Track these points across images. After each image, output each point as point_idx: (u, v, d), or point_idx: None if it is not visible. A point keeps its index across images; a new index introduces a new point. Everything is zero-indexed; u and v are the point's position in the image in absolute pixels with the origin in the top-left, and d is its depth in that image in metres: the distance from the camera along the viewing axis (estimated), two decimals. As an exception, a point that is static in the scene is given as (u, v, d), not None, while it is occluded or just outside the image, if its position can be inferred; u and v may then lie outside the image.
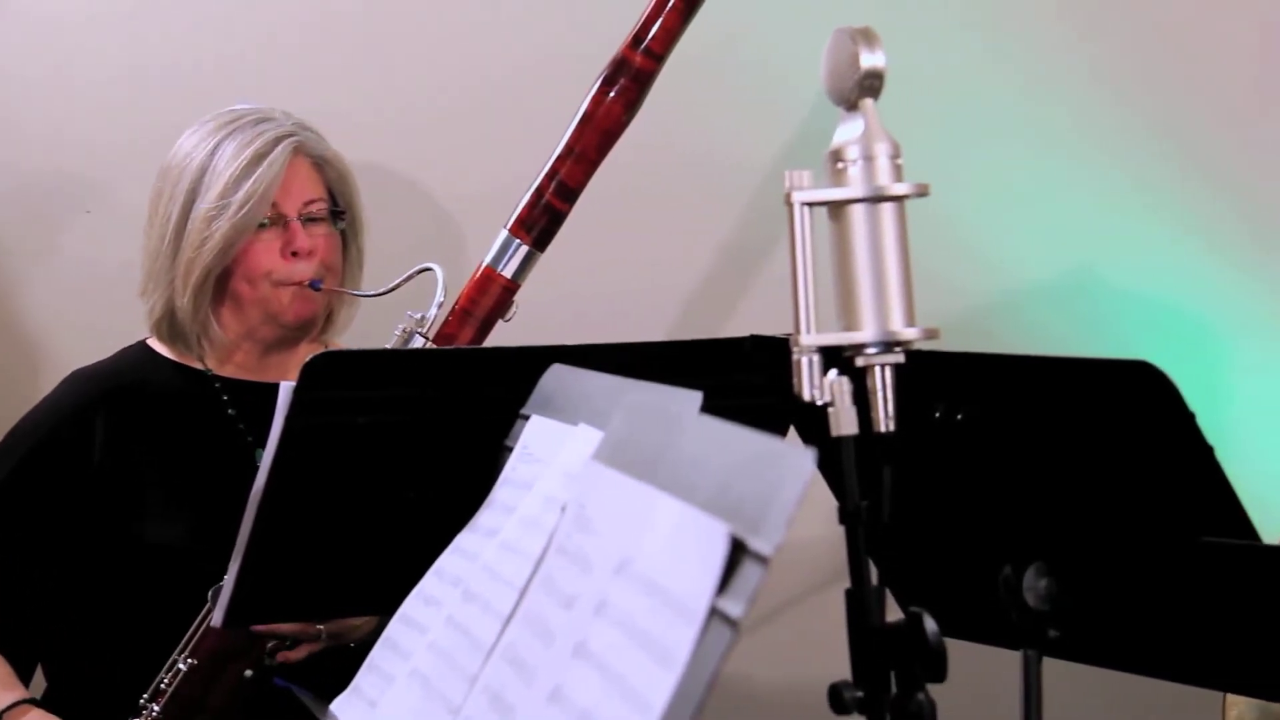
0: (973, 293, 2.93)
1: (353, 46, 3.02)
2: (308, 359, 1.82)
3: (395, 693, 1.65)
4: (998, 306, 2.94)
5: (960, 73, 2.94)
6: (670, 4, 2.43)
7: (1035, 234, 2.93)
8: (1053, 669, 1.76)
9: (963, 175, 2.89)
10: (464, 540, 1.76)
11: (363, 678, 1.73)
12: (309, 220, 2.52)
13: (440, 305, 2.46)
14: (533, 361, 1.86)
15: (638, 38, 2.44)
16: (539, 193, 2.46)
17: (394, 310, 2.52)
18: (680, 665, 1.18)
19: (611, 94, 2.44)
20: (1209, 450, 1.60)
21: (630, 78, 2.44)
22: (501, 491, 1.76)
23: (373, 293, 2.53)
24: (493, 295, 2.47)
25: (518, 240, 2.47)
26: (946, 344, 1.52)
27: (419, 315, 2.46)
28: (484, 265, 2.48)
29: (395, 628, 1.74)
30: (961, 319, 2.86)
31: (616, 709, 1.22)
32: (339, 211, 2.55)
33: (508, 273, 2.47)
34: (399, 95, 3.02)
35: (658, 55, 2.44)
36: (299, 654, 2.41)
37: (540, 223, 2.46)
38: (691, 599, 1.20)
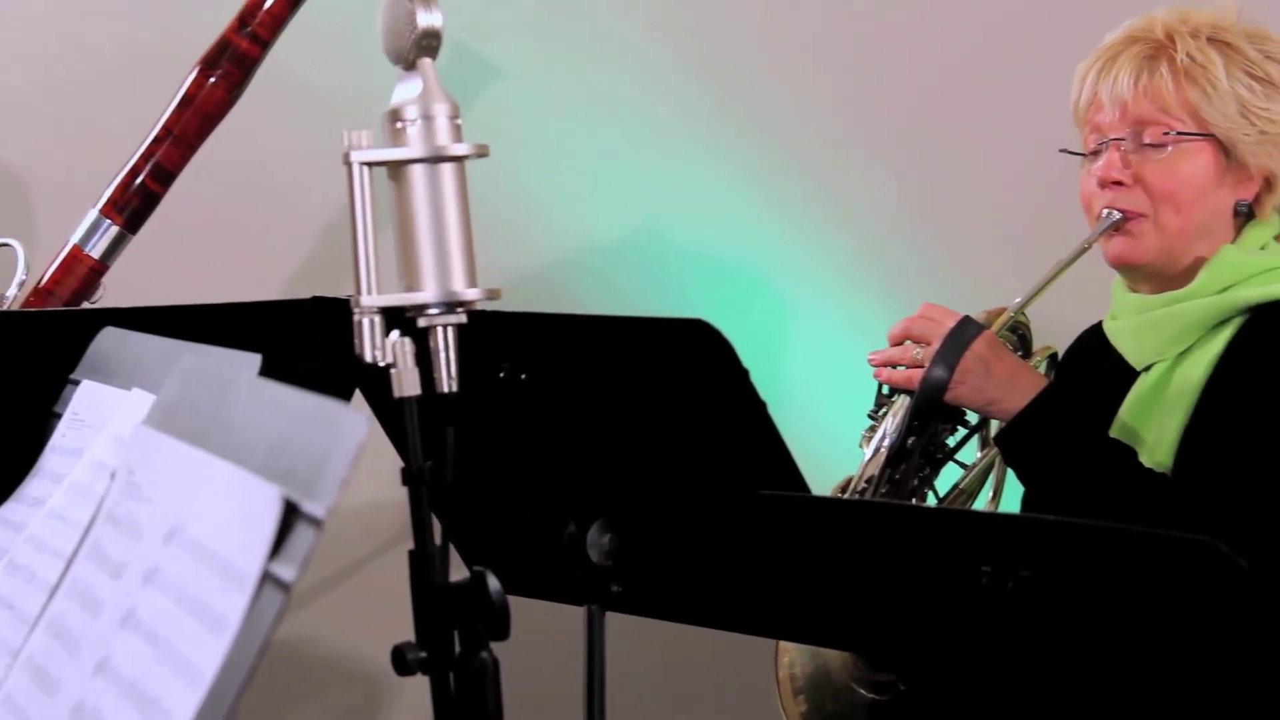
0: (537, 253, 2.95)
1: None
2: None
3: (-69, 672, 1.57)
4: (562, 266, 2.97)
5: (525, 35, 2.95)
6: None
7: (599, 193, 2.96)
8: (615, 623, 1.80)
9: (527, 135, 2.90)
10: (8, 510, 1.70)
11: (-105, 659, 1.64)
12: None
13: (22, 284, 2.35)
14: (83, 324, 1.79)
15: (243, 20, 2.37)
16: (133, 173, 2.38)
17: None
18: (232, 631, 1.16)
19: (214, 78, 2.36)
20: (762, 406, 1.65)
21: (234, 61, 2.37)
22: (50, 459, 1.71)
23: None
24: (78, 276, 2.38)
25: (108, 221, 2.38)
26: (510, 304, 1.53)
27: None
28: (71, 244, 2.38)
29: (-66, 604, 1.66)
30: (525, 279, 2.88)
31: (166, 678, 1.19)
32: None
33: (96, 253, 2.38)
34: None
35: (263, 41, 2.38)
36: None
37: (133, 204, 2.39)
38: (243, 564, 1.17)
